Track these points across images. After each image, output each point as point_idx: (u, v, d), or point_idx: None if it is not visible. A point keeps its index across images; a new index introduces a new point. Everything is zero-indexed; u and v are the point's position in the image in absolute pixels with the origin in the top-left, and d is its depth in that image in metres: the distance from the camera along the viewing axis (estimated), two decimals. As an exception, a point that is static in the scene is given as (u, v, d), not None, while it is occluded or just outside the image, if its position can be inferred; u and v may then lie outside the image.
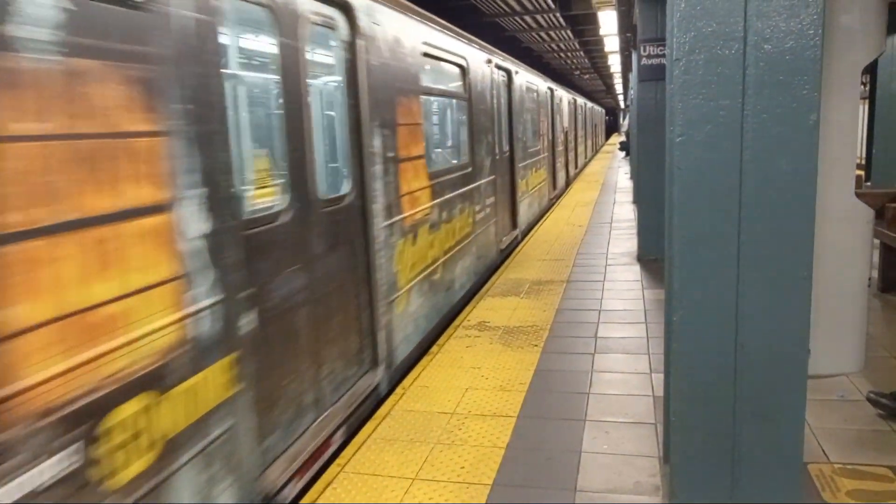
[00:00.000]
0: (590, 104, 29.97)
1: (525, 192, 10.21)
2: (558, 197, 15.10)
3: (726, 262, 2.25)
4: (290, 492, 3.06)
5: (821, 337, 2.49)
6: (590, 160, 29.17)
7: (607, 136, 56.15)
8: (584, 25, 17.44)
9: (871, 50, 2.46)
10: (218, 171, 2.48)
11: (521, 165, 9.72)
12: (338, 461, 3.44)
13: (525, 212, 10.25)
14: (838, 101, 2.43)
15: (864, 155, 11.00)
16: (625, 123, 34.78)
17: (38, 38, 1.75)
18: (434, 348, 5.13)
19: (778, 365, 2.28)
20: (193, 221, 2.35)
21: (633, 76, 13.11)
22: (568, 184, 17.93)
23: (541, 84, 12.50)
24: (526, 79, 10.59)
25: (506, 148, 8.83)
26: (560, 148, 15.76)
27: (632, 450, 3.40)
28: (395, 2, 4.65)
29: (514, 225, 9.39)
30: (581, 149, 23.90)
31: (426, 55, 5.33)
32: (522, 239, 9.67)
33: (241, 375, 2.62)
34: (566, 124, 17.48)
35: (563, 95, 16.94)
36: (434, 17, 5.76)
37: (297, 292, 3.20)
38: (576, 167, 21.37)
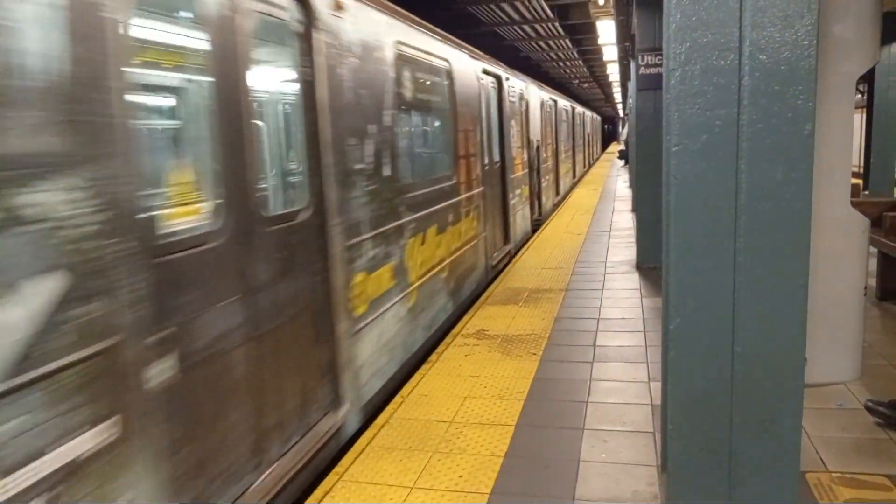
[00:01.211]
0: (580, 109, 24.85)
1: (408, 293, 4.92)
2: (516, 254, 9.44)
3: (722, 270, 2.26)
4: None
5: (818, 345, 2.49)
6: (580, 179, 23.83)
7: (606, 146, 56.28)
8: (582, 35, 17.56)
9: (865, 60, 2.47)
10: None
11: (369, 238, 4.19)
12: (336, 469, 3.44)
13: (386, 357, 4.47)
14: (834, 111, 2.45)
15: (861, 163, 11.04)
16: (624, 132, 34.87)
17: None
18: (433, 356, 5.13)
19: (775, 373, 2.28)
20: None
21: (631, 85, 13.17)
22: (540, 224, 12.20)
23: (477, 68, 7.56)
24: (414, 43, 5.23)
25: (286, 207, 3.79)
26: (520, 173, 10.25)
27: (630, 458, 3.40)
28: None
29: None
30: (565, 169, 17.80)
31: None
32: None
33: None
34: (537, 136, 12.18)
35: (531, 93, 11.70)
36: None
37: None
38: (557, 193, 15.67)
